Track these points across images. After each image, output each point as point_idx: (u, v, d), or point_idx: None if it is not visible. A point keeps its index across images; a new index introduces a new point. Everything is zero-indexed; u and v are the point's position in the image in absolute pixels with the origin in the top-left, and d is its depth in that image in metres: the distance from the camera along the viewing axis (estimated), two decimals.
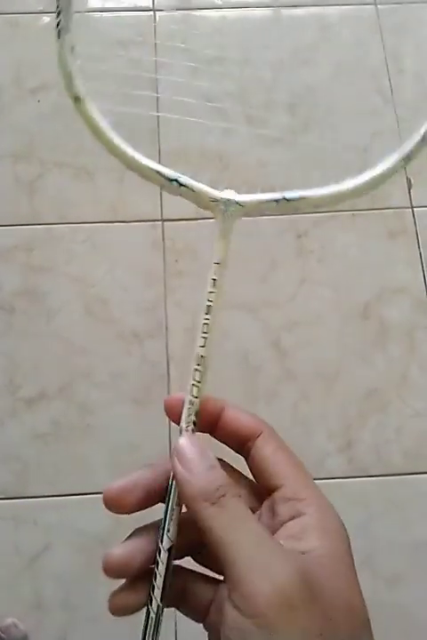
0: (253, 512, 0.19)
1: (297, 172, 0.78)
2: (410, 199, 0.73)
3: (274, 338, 0.67)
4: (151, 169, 0.22)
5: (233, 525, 0.17)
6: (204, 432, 0.21)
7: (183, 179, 0.22)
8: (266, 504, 0.19)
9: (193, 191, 0.22)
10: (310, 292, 0.69)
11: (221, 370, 0.66)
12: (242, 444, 0.21)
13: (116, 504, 0.19)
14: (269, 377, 0.66)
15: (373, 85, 0.78)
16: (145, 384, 0.65)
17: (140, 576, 0.19)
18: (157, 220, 0.69)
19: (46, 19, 0.77)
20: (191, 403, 0.21)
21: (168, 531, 0.19)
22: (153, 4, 0.77)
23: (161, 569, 0.19)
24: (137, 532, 0.20)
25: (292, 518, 0.18)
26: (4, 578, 0.59)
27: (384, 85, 0.78)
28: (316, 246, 0.71)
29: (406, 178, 0.74)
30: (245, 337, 0.67)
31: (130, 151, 0.22)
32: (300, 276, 0.70)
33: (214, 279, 0.22)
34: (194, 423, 0.21)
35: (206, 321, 0.22)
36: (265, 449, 0.20)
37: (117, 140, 0.22)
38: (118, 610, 0.19)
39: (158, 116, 0.70)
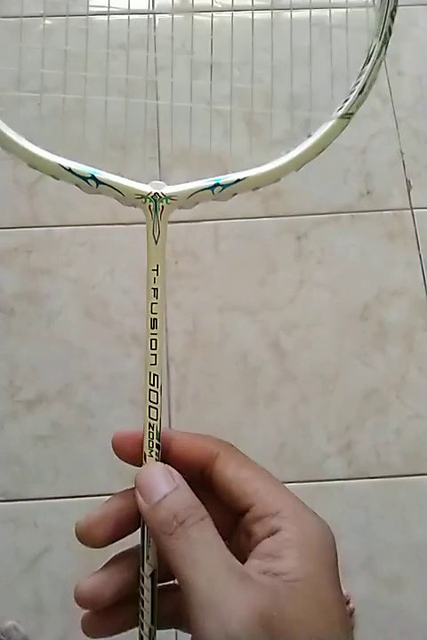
0: (230, 532, 0.18)
1: (296, 173, 0.78)
2: (410, 201, 0.73)
3: (273, 339, 0.67)
4: (59, 165, 0.18)
5: (190, 558, 0.16)
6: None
7: (101, 174, 0.19)
8: (241, 526, 0.18)
9: (114, 188, 0.19)
10: (309, 293, 0.69)
11: (220, 372, 0.66)
12: (200, 471, 0.19)
13: (86, 539, 0.19)
14: (269, 379, 0.66)
15: (372, 87, 0.78)
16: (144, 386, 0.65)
17: (117, 602, 0.19)
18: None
19: (47, 22, 0.77)
20: (152, 426, 0.19)
21: (147, 557, 0.18)
22: (152, 6, 0.78)
23: (147, 595, 0.18)
24: (114, 559, 0.19)
25: (268, 536, 0.17)
26: (4, 580, 0.59)
27: (383, 87, 0.78)
28: (315, 248, 0.71)
29: (406, 179, 0.74)
30: (244, 339, 0.67)
31: (35, 149, 0.19)
32: (299, 278, 0.70)
33: (155, 288, 0.19)
34: (157, 447, 0.19)
35: (154, 336, 0.19)
36: (226, 471, 0.18)
37: (14, 136, 0.20)
38: (92, 632, 0.19)
39: (158, 119, 0.70)
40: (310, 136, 0.21)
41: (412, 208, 0.73)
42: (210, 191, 0.20)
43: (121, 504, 0.19)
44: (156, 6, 0.78)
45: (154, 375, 0.20)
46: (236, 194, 0.20)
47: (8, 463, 0.62)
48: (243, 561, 0.17)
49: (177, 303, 0.68)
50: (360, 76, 0.22)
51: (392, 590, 0.60)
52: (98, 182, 0.19)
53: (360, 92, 0.22)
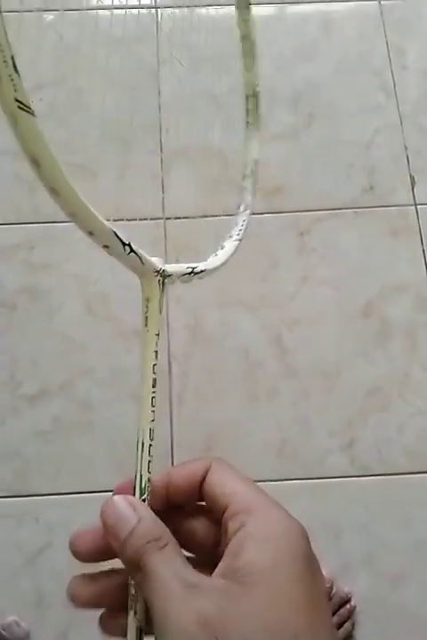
0: (215, 540, 0.19)
1: (298, 168, 0.78)
2: (414, 196, 0.73)
3: (275, 336, 0.67)
4: (107, 229, 0.19)
5: (150, 586, 0.17)
6: (160, 508, 0.20)
7: (134, 245, 0.20)
8: (222, 527, 0.19)
9: (140, 260, 0.20)
10: (311, 290, 0.69)
11: (221, 368, 0.66)
12: (198, 490, 0.20)
13: (73, 552, 0.19)
14: (270, 375, 0.66)
15: (376, 81, 0.78)
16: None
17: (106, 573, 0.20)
18: (159, 219, 0.69)
19: (47, 17, 0.77)
20: (149, 480, 0.20)
21: (135, 612, 0.18)
22: (155, 1, 0.77)
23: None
24: (102, 572, 0.20)
25: (236, 532, 0.18)
26: (6, 575, 0.59)
27: (387, 81, 0.78)
28: (318, 244, 0.71)
29: (410, 175, 0.74)
30: (245, 335, 0.67)
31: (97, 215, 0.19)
32: (301, 274, 0.69)
33: (156, 351, 0.21)
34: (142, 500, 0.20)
35: (154, 394, 0.20)
36: (213, 478, 0.19)
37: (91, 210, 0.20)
38: (69, 595, 0.19)
39: (160, 113, 0.70)
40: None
41: (416, 204, 0.72)
42: (188, 275, 0.23)
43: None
44: (158, 0, 0.77)
45: (151, 430, 0.20)
46: (202, 277, 0.24)
47: (9, 458, 0.62)
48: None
49: (178, 299, 0.68)
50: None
51: (394, 587, 0.60)
52: (131, 250, 0.20)
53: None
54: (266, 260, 0.70)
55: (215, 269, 0.25)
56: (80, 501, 0.60)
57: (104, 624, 0.20)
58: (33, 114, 0.16)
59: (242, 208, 0.28)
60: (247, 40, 0.27)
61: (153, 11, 0.77)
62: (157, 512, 0.19)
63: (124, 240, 0.20)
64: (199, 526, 0.20)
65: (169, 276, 0.21)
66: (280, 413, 0.65)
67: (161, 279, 0.21)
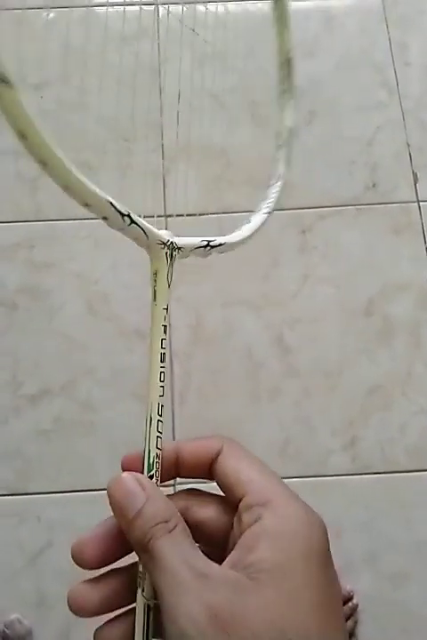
0: (227, 527, 0.19)
1: (299, 165, 0.78)
2: (416, 193, 0.72)
3: (277, 335, 0.67)
4: (105, 201, 0.18)
5: (158, 569, 0.17)
6: (169, 479, 0.20)
7: (134, 216, 0.20)
8: (236, 517, 0.18)
9: (143, 230, 0.20)
10: (313, 288, 0.69)
11: (223, 367, 0.66)
12: (208, 469, 0.20)
13: (78, 561, 0.19)
14: (272, 374, 0.66)
15: (378, 78, 0.77)
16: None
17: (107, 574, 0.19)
18: (160, 217, 0.69)
19: (50, 14, 0.77)
20: (157, 456, 0.19)
21: (143, 589, 0.18)
22: None
23: (138, 628, 0.18)
24: (107, 573, 0.19)
25: (251, 525, 0.17)
26: (8, 574, 0.59)
27: (390, 78, 0.77)
28: (319, 242, 0.70)
29: (413, 172, 0.73)
30: (247, 334, 0.67)
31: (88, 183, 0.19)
32: (303, 273, 0.69)
33: (165, 326, 0.20)
34: (150, 476, 0.19)
35: (163, 368, 0.20)
36: (226, 463, 0.19)
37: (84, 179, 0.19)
38: (75, 606, 0.19)
39: (162, 111, 0.70)
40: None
41: (419, 201, 0.72)
42: (203, 249, 0.22)
43: (113, 523, 0.19)
44: None
45: (160, 405, 0.20)
46: (222, 252, 0.23)
47: (11, 457, 0.62)
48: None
49: (180, 298, 0.67)
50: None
51: (396, 586, 0.60)
52: (132, 220, 0.20)
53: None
54: (267, 259, 0.70)
55: (238, 244, 0.24)
56: (81, 501, 0.60)
57: (100, 636, 0.19)
58: (13, 86, 0.15)
59: (274, 180, 0.26)
60: (280, 5, 0.25)
61: (153, 7, 0.76)
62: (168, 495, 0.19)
63: (122, 210, 0.19)
64: (210, 517, 0.19)
65: (179, 248, 0.21)
66: (282, 412, 0.64)
67: (169, 251, 0.21)
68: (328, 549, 0.17)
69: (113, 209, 0.19)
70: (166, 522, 0.17)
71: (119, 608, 0.19)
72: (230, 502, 0.18)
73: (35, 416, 0.64)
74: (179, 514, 0.18)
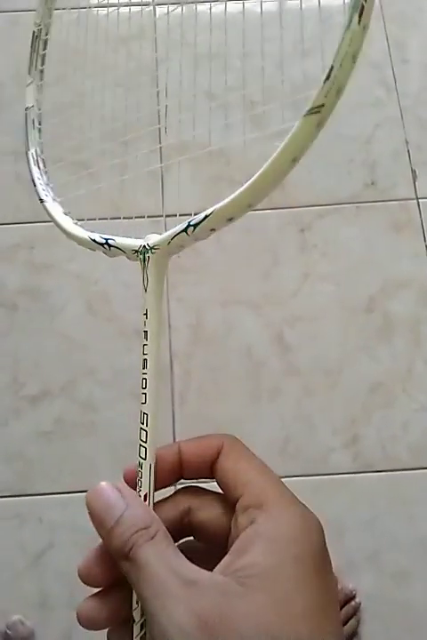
0: (228, 528, 0.18)
1: (299, 163, 0.77)
2: (415, 190, 0.72)
3: (277, 333, 0.67)
4: (88, 239, 0.23)
5: (141, 578, 0.16)
6: (175, 481, 0.20)
7: (112, 240, 0.22)
8: (233, 518, 0.18)
9: (120, 249, 0.22)
10: (313, 286, 0.69)
11: (223, 366, 0.66)
12: (210, 468, 0.19)
13: (87, 581, 0.19)
14: (273, 372, 0.65)
15: (376, 75, 0.77)
16: None
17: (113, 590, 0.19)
18: (159, 217, 0.69)
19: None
20: (140, 465, 0.19)
21: (138, 602, 0.18)
22: None
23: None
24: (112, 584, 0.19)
25: (245, 528, 0.17)
26: (10, 575, 0.59)
27: (388, 76, 0.77)
28: (319, 240, 0.70)
29: (411, 169, 0.73)
30: (248, 332, 0.67)
31: (77, 231, 0.25)
32: (303, 271, 0.69)
33: (145, 331, 0.21)
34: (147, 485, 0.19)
35: (144, 375, 0.20)
36: (226, 462, 0.19)
37: (68, 226, 0.25)
38: (86, 622, 0.18)
39: (159, 112, 0.70)
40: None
41: (418, 198, 0.72)
42: (184, 233, 0.20)
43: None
44: None
45: (144, 414, 0.20)
46: (213, 229, 0.19)
47: (12, 459, 0.62)
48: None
49: (180, 297, 0.67)
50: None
51: (398, 584, 0.60)
52: (110, 246, 0.22)
53: (327, 79, 0.18)
54: (267, 257, 0.70)
55: (234, 210, 0.19)
56: (83, 501, 0.60)
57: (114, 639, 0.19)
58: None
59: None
60: None
61: (151, 8, 0.76)
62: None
63: (100, 241, 0.22)
64: (211, 517, 0.19)
65: (153, 247, 0.21)
66: (283, 411, 0.64)
67: (141, 256, 0.21)
68: (325, 553, 0.17)
69: (94, 243, 0.23)
70: (147, 528, 0.17)
71: (128, 618, 0.19)
72: (230, 501, 0.18)
73: (35, 417, 0.64)
74: (159, 520, 0.18)
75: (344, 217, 0.71)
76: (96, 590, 0.19)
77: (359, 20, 0.17)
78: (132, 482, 0.20)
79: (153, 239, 0.21)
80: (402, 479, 0.63)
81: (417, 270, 0.69)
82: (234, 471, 0.18)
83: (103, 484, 0.18)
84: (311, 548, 0.17)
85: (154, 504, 0.19)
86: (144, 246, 0.21)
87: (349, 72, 0.18)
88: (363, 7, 0.17)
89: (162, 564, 0.16)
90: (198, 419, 0.63)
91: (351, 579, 0.59)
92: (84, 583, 0.18)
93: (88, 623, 0.18)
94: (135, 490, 0.19)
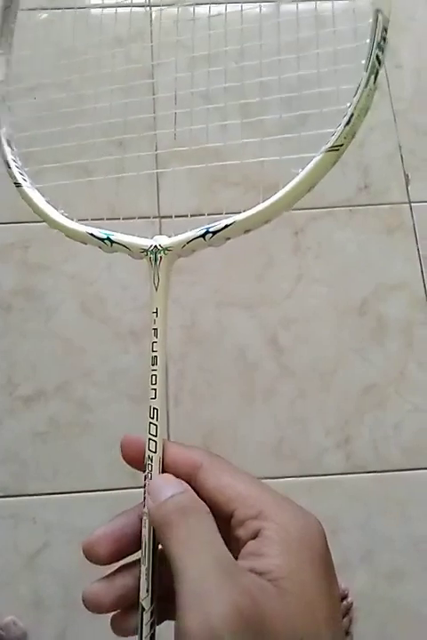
0: (226, 542, 0.18)
1: (293, 166, 0.78)
2: (408, 195, 0.73)
3: (271, 335, 0.67)
4: (85, 233, 0.23)
5: (187, 546, 0.17)
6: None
7: (114, 236, 0.22)
8: (231, 533, 0.18)
9: (125, 246, 0.22)
10: (306, 288, 0.69)
11: (218, 367, 0.66)
12: (187, 480, 0.19)
13: (89, 556, 0.19)
14: (267, 374, 0.66)
15: None
16: (143, 381, 0.64)
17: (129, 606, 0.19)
18: (155, 218, 0.69)
19: (43, 15, 0.77)
20: (150, 459, 0.20)
21: (147, 591, 0.19)
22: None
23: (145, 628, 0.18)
24: (119, 568, 0.20)
25: (251, 538, 0.17)
26: (4, 576, 0.59)
27: (381, 80, 0.78)
28: (312, 243, 0.71)
29: (404, 173, 0.74)
30: (241, 334, 0.67)
31: (67, 222, 0.24)
32: (297, 273, 0.70)
33: (155, 329, 0.21)
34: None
35: (154, 372, 0.21)
36: (208, 480, 0.19)
37: (54, 215, 0.24)
38: (92, 605, 0.19)
39: (155, 113, 0.70)
40: (298, 173, 0.21)
41: (410, 202, 0.73)
42: (202, 239, 0.21)
43: (123, 521, 0.20)
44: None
45: (153, 409, 0.21)
46: (229, 238, 0.21)
47: (7, 459, 0.62)
48: None
49: (174, 298, 0.68)
50: (349, 107, 0.22)
51: (392, 583, 0.60)
52: (112, 242, 0.22)
53: (347, 123, 0.22)
54: (261, 259, 0.70)
55: (256, 221, 0.20)
56: (77, 501, 0.60)
57: (117, 625, 0.19)
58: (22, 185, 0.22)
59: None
60: None
61: (147, 9, 0.76)
62: None
63: (100, 236, 0.22)
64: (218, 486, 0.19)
65: (166, 249, 0.21)
66: (277, 412, 0.65)
67: (152, 256, 0.21)
68: (328, 548, 0.18)
69: (94, 238, 0.23)
70: (200, 504, 0.18)
71: (133, 604, 0.19)
72: (221, 517, 0.18)
73: (30, 418, 0.63)
74: (209, 510, 0.18)
75: (338, 220, 0.72)
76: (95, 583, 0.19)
77: (375, 80, 0.21)
78: (128, 452, 0.20)
79: (165, 240, 0.22)
80: (394, 479, 0.63)
81: (409, 273, 0.70)
82: (220, 488, 0.19)
83: (167, 474, 0.19)
84: (319, 547, 0.17)
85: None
86: (156, 246, 0.22)
87: (362, 121, 0.22)
88: (378, 72, 0.21)
89: (209, 543, 0.17)
90: (193, 420, 0.64)
91: (345, 578, 0.60)
92: (87, 557, 0.19)
93: (94, 606, 0.19)
94: (132, 460, 0.20)
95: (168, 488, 0.18)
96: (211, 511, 0.19)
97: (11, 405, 0.64)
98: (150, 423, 0.20)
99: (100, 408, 0.64)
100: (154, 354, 0.21)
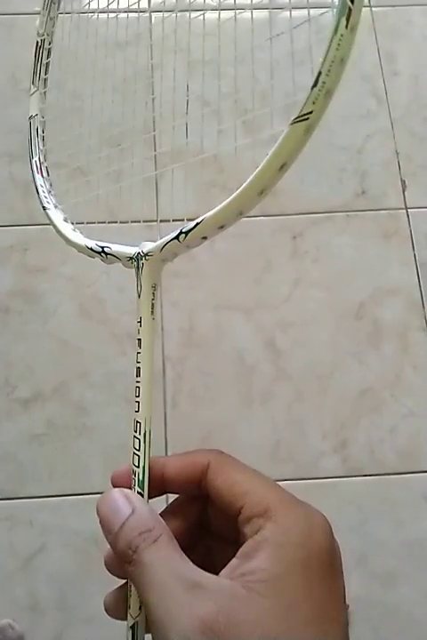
0: (235, 539, 0.18)
1: (291, 172, 0.78)
2: (404, 201, 0.74)
3: (269, 338, 0.68)
4: (84, 246, 0.24)
5: (144, 581, 0.16)
6: (158, 495, 0.20)
7: (108, 248, 0.22)
8: (239, 531, 0.18)
9: (116, 257, 0.22)
10: (304, 292, 0.70)
11: (215, 370, 0.66)
12: (198, 485, 0.19)
13: (109, 569, 0.19)
14: (264, 377, 0.66)
15: (367, 87, 0.79)
16: None
17: None
18: (153, 221, 0.69)
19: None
20: (134, 473, 0.19)
21: (129, 606, 0.18)
22: (149, 5, 0.77)
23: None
24: None
25: (253, 535, 0.17)
26: (0, 578, 0.59)
27: (379, 87, 0.79)
28: (310, 247, 0.71)
29: (401, 179, 0.75)
30: (239, 337, 0.67)
31: (75, 237, 0.25)
32: (294, 277, 0.70)
33: (138, 339, 0.21)
34: (139, 494, 0.19)
35: (137, 384, 0.20)
36: (216, 478, 0.19)
37: (68, 233, 0.26)
38: (112, 611, 0.19)
39: (154, 118, 0.70)
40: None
41: (407, 208, 0.73)
42: (176, 240, 0.20)
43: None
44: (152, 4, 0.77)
45: (137, 422, 0.20)
46: (205, 237, 0.19)
47: (3, 461, 0.62)
48: None
49: (173, 302, 0.68)
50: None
51: (386, 587, 0.60)
52: (107, 254, 0.23)
53: (315, 85, 0.18)
54: (259, 263, 0.70)
55: (223, 219, 0.18)
56: (74, 504, 0.60)
57: (111, 608, 0.20)
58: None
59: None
60: None
61: (147, 14, 0.77)
62: (177, 505, 0.19)
63: (95, 248, 0.23)
64: (227, 486, 0.19)
65: (146, 254, 0.21)
66: (274, 415, 0.65)
67: (136, 263, 0.21)
68: (332, 550, 0.17)
69: (92, 251, 0.23)
70: (150, 531, 0.17)
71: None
72: (230, 516, 0.18)
73: (27, 420, 0.63)
74: (164, 524, 0.18)
75: (335, 225, 0.72)
76: (94, 590, 0.20)
77: (347, 24, 0.17)
78: (121, 484, 0.20)
79: (147, 247, 0.21)
80: (390, 483, 0.64)
81: (406, 278, 0.71)
82: (228, 485, 0.18)
83: (113, 490, 0.19)
84: (319, 550, 0.17)
85: (176, 457, 0.20)
86: (138, 254, 0.21)
87: (338, 77, 0.18)
88: (350, 10, 0.17)
89: (165, 566, 0.16)
90: (190, 422, 0.64)
91: None
92: (108, 571, 0.19)
93: (113, 613, 0.19)
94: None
95: (118, 512, 0.18)
96: (220, 508, 0.18)
97: (8, 407, 0.64)
98: (134, 437, 0.20)
99: (97, 410, 0.64)
100: (138, 365, 0.20)
